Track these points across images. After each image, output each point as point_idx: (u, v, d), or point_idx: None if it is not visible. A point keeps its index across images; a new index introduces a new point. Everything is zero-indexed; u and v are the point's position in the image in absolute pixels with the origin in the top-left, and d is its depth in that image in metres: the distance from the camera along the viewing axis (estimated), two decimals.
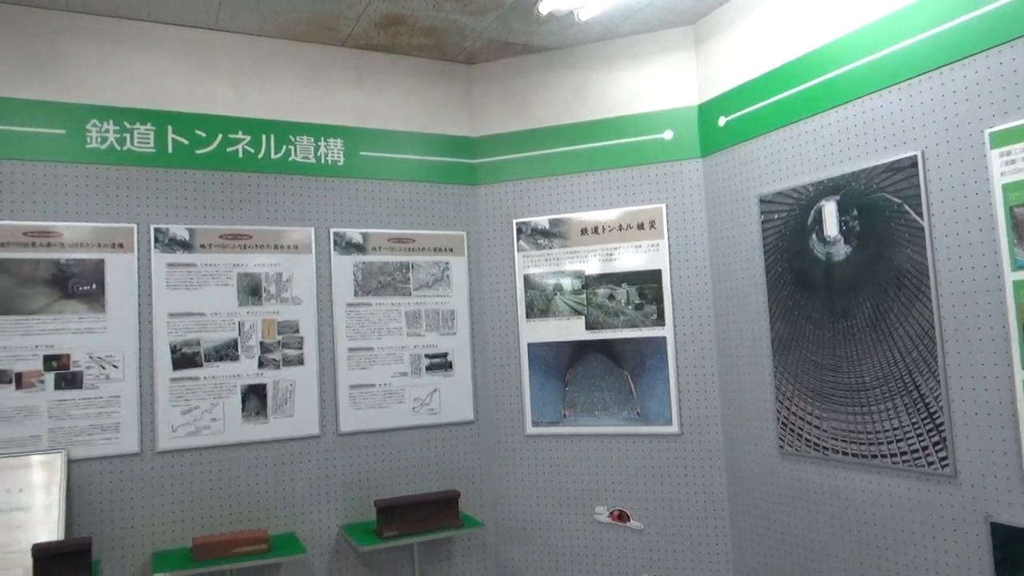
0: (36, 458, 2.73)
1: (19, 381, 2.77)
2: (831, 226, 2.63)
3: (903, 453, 2.37)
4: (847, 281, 2.57)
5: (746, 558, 3.05)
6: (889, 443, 2.42)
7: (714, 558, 3.15)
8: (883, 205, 2.44)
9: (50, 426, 2.79)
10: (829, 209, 2.64)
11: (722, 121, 3.13)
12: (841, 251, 2.59)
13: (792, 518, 2.82)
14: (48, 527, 2.64)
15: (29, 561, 2.48)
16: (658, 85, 3.33)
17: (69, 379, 2.83)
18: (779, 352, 2.85)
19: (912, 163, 2.34)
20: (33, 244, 2.81)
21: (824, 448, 2.65)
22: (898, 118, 2.40)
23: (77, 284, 2.87)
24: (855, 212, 2.54)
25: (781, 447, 2.84)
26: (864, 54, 2.51)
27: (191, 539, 2.89)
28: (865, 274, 2.51)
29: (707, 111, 3.22)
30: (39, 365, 2.80)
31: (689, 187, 3.28)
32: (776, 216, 2.86)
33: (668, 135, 3.31)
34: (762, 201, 2.92)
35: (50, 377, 2.81)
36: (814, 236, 2.69)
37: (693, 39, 3.29)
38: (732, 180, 3.09)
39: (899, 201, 2.38)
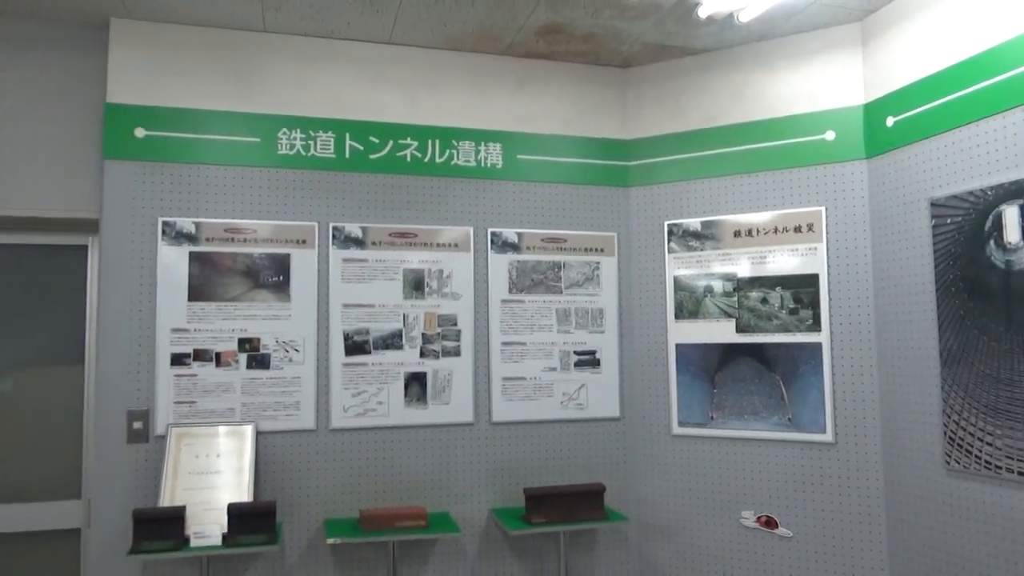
0: (231, 428, 3.09)
1: (218, 360, 3.14)
2: (1013, 232, 2.47)
3: None
4: None
5: (904, 574, 2.93)
6: None
7: (868, 572, 3.04)
8: None
9: (242, 401, 3.15)
10: (1011, 214, 2.48)
11: (890, 121, 3.01)
12: (1023, 259, 2.43)
13: (957, 537, 2.67)
14: (239, 489, 2.98)
15: (224, 518, 2.83)
16: (821, 84, 3.24)
17: (259, 360, 3.18)
18: (948, 364, 2.71)
19: None
20: (232, 239, 3.18)
21: (997, 467, 2.50)
22: None
23: (267, 276, 3.21)
24: None
25: (947, 463, 2.70)
26: None
27: (358, 510, 3.16)
28: None
29: (874, 111, 3.10)
30: (235, 346, 3.16)
31: (851, 189, 3.17)
32: (949, 221, 2.72)
33: (830, 136, 3.22)
34: (933, 205, 2.78)
35: (243, 357, 3.16)
36: (992, 242, 2.54)
37: (860, 36, 3.17)
38: (900, 183, 2.96)
39: None
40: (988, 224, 2.56)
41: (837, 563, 3.10)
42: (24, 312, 3.27)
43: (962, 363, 2.65)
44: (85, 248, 3.32)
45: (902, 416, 2.93)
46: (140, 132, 3.10)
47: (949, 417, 2.70)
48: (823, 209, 3.21)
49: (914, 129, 2.89)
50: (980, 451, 2.57)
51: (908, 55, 2.93)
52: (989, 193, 2.55)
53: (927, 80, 2.83)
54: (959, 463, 2.65)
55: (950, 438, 2.69)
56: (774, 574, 3.22)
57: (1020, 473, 2.42)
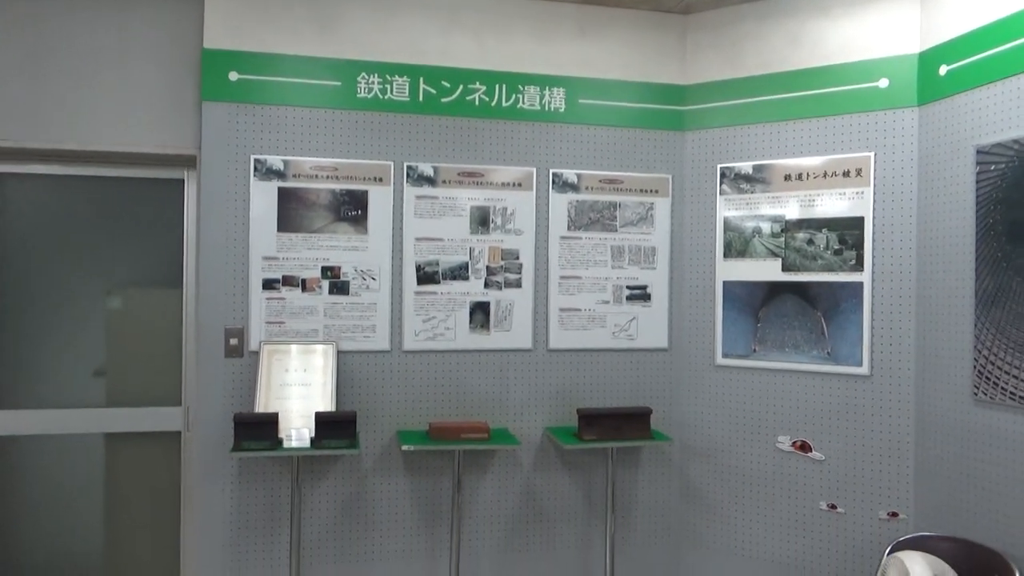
0: (315, 347, 3.43)
1: (304, 285, 3.46)
2: None
3: None
4: None
5: (928, 496, 3.17)
6: None
7: (893, 494, 3.29)
8: None
9: (325, 323, 3.48)
10: None
11: (943, 70, 3.11)
12: None
13: (979, 460, 2.90)
14: (324, 400, 3.33)
15: (312, 424, 3.18)
16: (876, 33, 3.34)
17: (339, 287, 3.49)
18: (983, 303, 2.88)
19: None
20: (316, 176, 3.46)
21: (1021, 397, 2.70)
22: None
23: (347, 210, 3.50)
24: None
25: (975, 394, 2.90)
26: None
27: (427, 423, 3.50)
28: None
29: (928, 60, 3.20)
30: (318, 274, 3.47)
31: (901, 136, 3.30)
32: (993, 168, 2.85)
33: (883, 83, 3.33)
34: (979, 152, 2.91)
35: (326, 284, 3.47)
36: None
37: None
38: (948, 130, 3.08)
39: None
40: None
41: (865, 483, 3.36)
42: (128, 238, 3.62)
43: (996, 303, 2.83)
44: (182, 182, 3.62)
45: (935, 351, 3.13)
46: (234, 75, 3.37)
47: (980, 352, 2.89)
48: (872, 155, 3.35)
49: (965, 78, 2.99)
50: (1007, 383, 2.76)
51: (964, 4, 3.01)
52: None
53: (981, 30, 2.92)
54: (986, 394, 2.86)
55: (979, 372, 2.89)
56: (807, 494, 3.49)
57: None
